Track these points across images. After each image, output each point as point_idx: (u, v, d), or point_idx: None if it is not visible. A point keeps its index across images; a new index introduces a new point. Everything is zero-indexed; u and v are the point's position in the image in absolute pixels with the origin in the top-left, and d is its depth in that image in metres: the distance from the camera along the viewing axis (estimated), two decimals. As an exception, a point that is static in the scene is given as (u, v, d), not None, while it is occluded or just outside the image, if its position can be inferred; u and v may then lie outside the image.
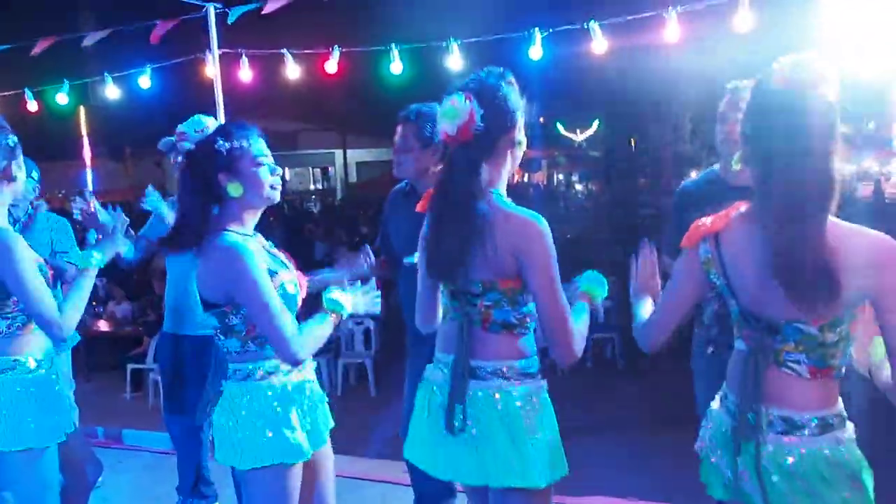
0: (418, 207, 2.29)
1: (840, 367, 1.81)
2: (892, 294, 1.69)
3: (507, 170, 2.16)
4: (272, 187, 2.41)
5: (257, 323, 2.25)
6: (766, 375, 1.82)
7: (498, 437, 2.06)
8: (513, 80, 2.15)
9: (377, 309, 2.60)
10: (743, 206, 1.89)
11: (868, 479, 1.79)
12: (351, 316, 2.53)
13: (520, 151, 2.18)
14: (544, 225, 2.04)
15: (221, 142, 2.33)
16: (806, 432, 1.79)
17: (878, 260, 1.69)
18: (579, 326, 2.14)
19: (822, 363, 1.79)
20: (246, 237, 2.35)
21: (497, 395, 2.08)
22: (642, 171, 29.81)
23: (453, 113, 2.04)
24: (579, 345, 2.09)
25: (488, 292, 2.08)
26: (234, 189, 2.33)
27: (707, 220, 1.90)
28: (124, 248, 3.11)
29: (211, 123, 2.56)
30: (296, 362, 2.28)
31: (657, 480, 4.38)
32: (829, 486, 1.75)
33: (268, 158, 2.41)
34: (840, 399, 1.85)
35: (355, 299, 2.53)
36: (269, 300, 2.22)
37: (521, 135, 2.14)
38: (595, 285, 2.36)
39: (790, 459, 1.78)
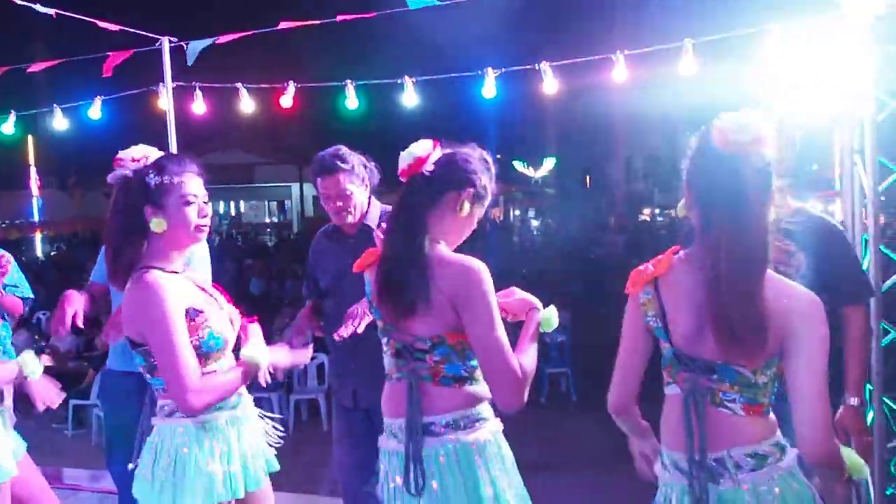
0: (355, 267, 2.27)
1: (769, 404, 1.87)
2: (810, 344, 1.77)
3: (451, 233, 2.14)
4: (198, 228, 2.34)
5: (158, 365, 2.19)
6: (706, 418, 1.85)
7: (460, 492, 2.02)
8: (490, 163, 2.18)
9: (305, 359, 2.62)
10: (681, 251, 1.94)
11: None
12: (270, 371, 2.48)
13: (465, 220, 2.15)
14: (483, 271, 2.01)
15: (152, 175, 2.29)
16: (771, 460, 1.83)
17: (808, 315, 1.78)
18: (527, 368, 2.05)
19: (753, 401, 1.85)
20: (170, 275, 2.29)
21: (454, 450, 2.03)
22: (596, 209, 30.33)
23: (412, 149, 2.10)
24: (525, 390, 2.02)
25: (437, 347, 2.05)
26: (157, 224, 2.28)
27: (649, 266, 1.94)
28: None
29: (152, 155, 2.52)
30: (189, 411, 2.19)
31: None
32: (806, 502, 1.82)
33: (199, 198, 2.34)
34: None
35: (274, 354, 2.47)
36: (175, 345, 2.15)
37: (468, 205, 2.12)
38: (549, 319, 2.22)
39: (772, 494, 1.80)
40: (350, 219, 3.22)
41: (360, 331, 2.90)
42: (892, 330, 3.39)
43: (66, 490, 4.95)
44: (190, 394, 2.14)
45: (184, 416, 2.25)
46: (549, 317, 2.20)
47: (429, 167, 2.09)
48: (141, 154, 2.49)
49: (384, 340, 2.18)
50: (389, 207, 3.24)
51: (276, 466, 2.49)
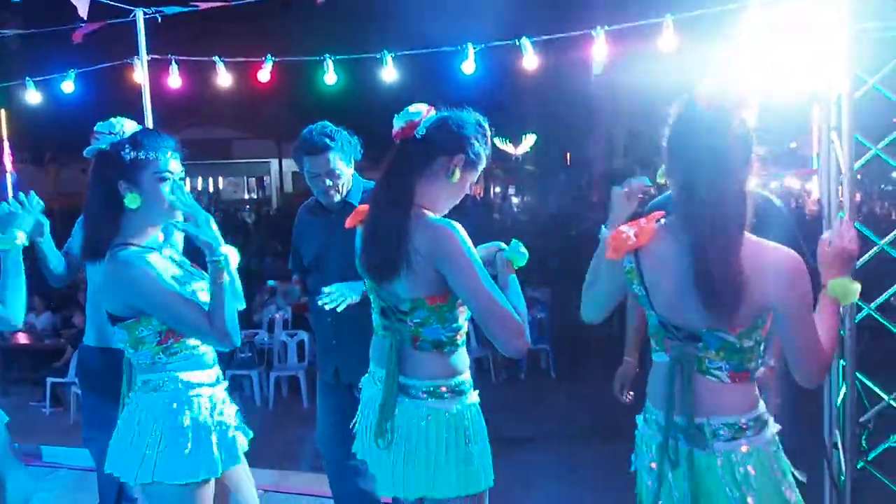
0: (347, 223, 2.27)
1: (755, 369, 1.90)
2: (795, 303, 1.81)
3: (440, 199, 2.15)
4: (172, 205, 2.31)
5: (177, 328, 2.22)
6: (692, 384, 1.88)
7: (427, 454, 2.07)
8: (486, 130, 2.18)
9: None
10: (662, 217, 1.95)
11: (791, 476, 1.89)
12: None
13: (455, 187, 2.16)
14: (457, 228, 2.02)
15: (128, 149, 2.27)
16: (749, 433, 1.86)
17: (785, 273, 1.81)
18: (520, 310, 2.07)
19: (740, 367, 1.88)
20: (147, 250, 2.29)
21: (428, 416, 2.08)
22: (577, 185, 30.34)
23: (406, 112, 2.10)
24: (525, 331, 2.03)
25: (417, 310, 2.08)
26: (132, 200, 2.26)
27: (630, 233, 1.93)
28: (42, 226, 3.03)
29: (129, 127, 2.48)
30: (234, 343, 2.24)
31: (587, 491, 4.43)
32: (776, 482, 1.85)
33: (174, 175, 2.32)
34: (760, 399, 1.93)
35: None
36: (179, 303, 2.19)
37: (458, 171, 2.12)
38: (516, 253, 2.20)
39: (742, 466, 1.84)
40: (337, 197, 3.20)
41: (339, 309, 2.90)
42: (866, 307, 3.43)
43: (44, 468, 4.92)
44: (219, 334, 2.18)
45: (176, 389, 2.27)
46: (515, 251, 2.18)
47: (421, 130, 2.08)
48: (119, 127, 2.45)
49: (371, 297, 2.20)
50: (372, 183, 3.23)
51: (250, 435, 2.49)
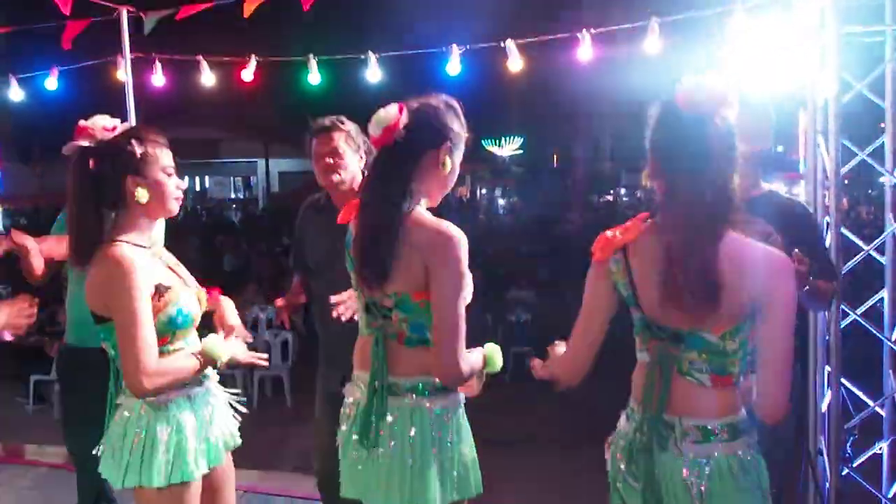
0: (339, 219, 2.25)
1: (738, 374, 1.88)
2: (779, 304, 1.79)
3: (433, 189, 2.14)
4: (175, 200, 2.33)
5: (118, 340, 2.14)
6: (671, 385, 1.87)
7: (412, 454, 2.04)
8: (458, 109, 2.16)
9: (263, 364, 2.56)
10: (648, 218, 1.94)
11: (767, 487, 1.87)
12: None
13: (447, 176, 2.15)
14: (461, 238, 2.01)
15: (136, 144, 2.24)
16: (720, 438, 1.84)
17: (771, 273, 1.80)
18: (472, 356, 2.09)
19: (722, 371, 1.86)
20: (139, 249, 2.26)
21: (411, 413, 2.06)
22: (563, 188, 30.47)
23: (379, 118, 2.06)
24: (464, 364, 2.02)
25: (401, 304, 2.06)
26: (142, 195, 2.24)
27: (617, 232, 1.93)
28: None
29: (119, 125, 2.45)
30: (139, 392, 2.14)
31: (572, 494, 4.42)
32: (742, 493, 1.82)
33: (174, 170, 2.32)
34: (743, 407, 1.90)
35: (234, 348, 2.41)
36: (137, 323, 2.11)
37: (449, 158, 2.12)
38: (494, 356, 2.25)
39: (707, 469, 1.82)
40: (337, 178, 3.13)
41: (356, 317, 2.86)
42: (851, 312, 3.44)
43: (25, 466, 4.87)
44: (143, 375, 2.10)
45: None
46: (491, 354, 2.22)
47: (401, 133, 2.05)
48: (112, 123, 2.41)
49: (356, 294, 2.18)
50: None
51: (238, 442, 2.47)
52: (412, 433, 2.05)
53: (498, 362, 2.23)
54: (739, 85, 1.86)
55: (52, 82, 5.28)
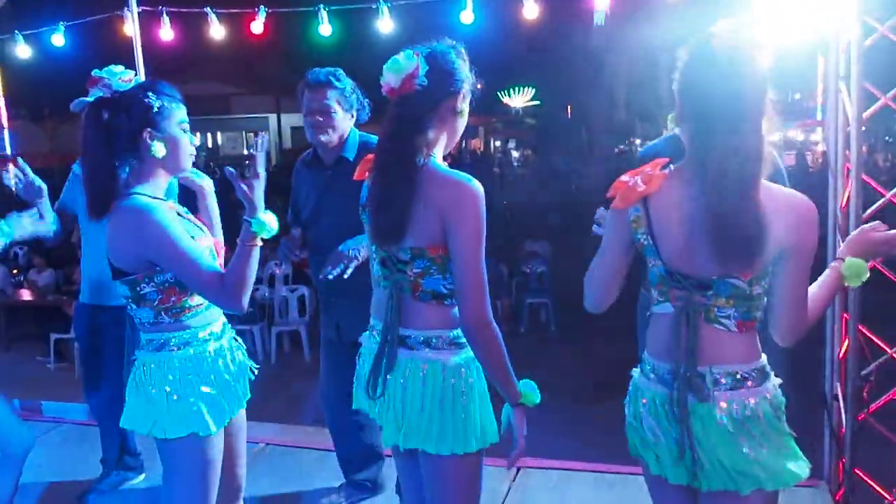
0: (356, 175, 2.23)
1: (761, 318, 1.88)
2: (804, 250, 1.80)
3: (447, 138, 2.11)
4: (189, 156, 2.33)
5: (186, 282, 2.17)
6: (699, 334, 1.86)
7: (424, 406, 2.05)
8: (464, 53, 2.11)
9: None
10: (668, 164, 1.90)
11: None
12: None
13: (461, 123, 2.13)
14: (479, 189, 1.99)
15: (153, 97, 2.22)
16: (750, 384, 1.85)
17: (801, 218, 1.79)
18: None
19: (748, 316, 1.85)
20: (156, 200, 2.25)
21: (425, 366, 2.06)
22: (577, 139, 30.17)
23: (398, 66, 2.01)
24: (489, 312, 2.00)
25: (417, 259, 2.04)
26: (158, 149, 2.22)
27: (638, 180, 1.88)
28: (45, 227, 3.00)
29: (133, 77, 2.41)
30: (241, 309, 2.17)
31: (587, 445, 4.45)
32: (779, 435, 1.85)
33: (188, 126, 2.32)
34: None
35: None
36: (193, 257, 2.13)
37: (463, 105, 2.10)
38: (529, 391, 2.17)
39: (744, 414, 1.83)
40: (325, 138, 3.13)
41: (346, 275, 2.88)
42: (869, 259, 3.40)
43: (48, 423, 4.95)
44: (230, 294, 2.12)
45: (182, 346, 2.25)
46: (530, 390, 2.16)
47: (422, 81, 2.00)
48: (127, 74, 2.39)
49: (372, 248, 2.16)
50: (370, 136, 3.17)
51: (248, 394, 2.49)
52: (423, 384, 2.06)
53: (535, 396, 2.16)
54: (774, 31, 1.81)
55: (58, 38, 5.22)
